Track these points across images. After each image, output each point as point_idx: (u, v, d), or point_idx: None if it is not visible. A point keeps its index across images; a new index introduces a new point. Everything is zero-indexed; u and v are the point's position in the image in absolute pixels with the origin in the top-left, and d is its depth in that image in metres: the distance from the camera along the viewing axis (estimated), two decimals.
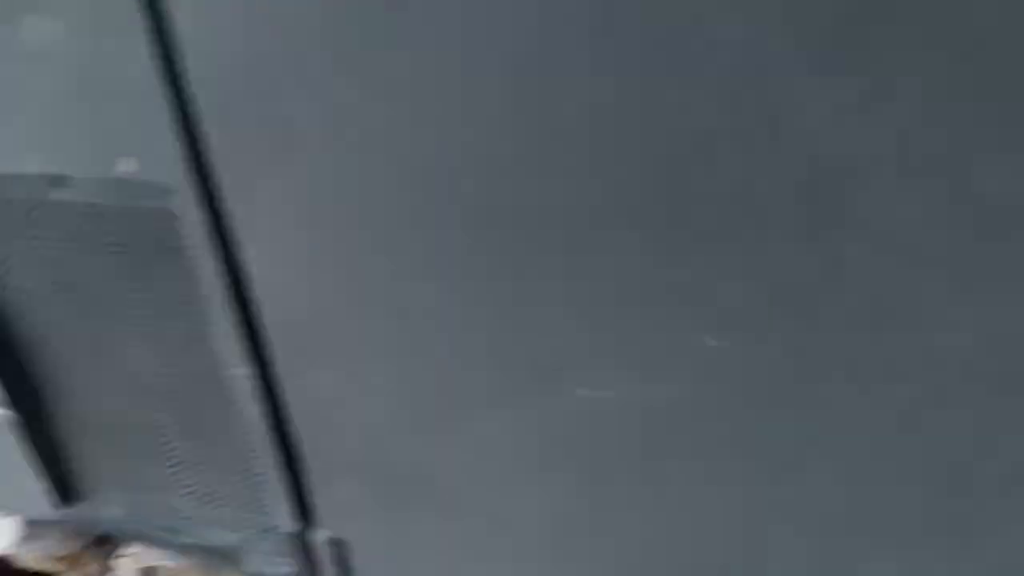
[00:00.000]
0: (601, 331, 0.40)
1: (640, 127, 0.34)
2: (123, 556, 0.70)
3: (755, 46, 0.31)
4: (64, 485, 0.67)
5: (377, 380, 0.49)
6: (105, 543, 0.72)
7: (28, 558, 0.72)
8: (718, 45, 0.31)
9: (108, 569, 0.71)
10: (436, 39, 0.36)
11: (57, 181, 0.50)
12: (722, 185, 0.34)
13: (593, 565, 0.50)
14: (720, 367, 0.38)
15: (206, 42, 0.40)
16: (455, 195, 0.40)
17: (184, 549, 0.68)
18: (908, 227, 0.32)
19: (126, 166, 0.46)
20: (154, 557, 0.69)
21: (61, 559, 0.72)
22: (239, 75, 0.40)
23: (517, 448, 0.47)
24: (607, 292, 0.39)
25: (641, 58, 0.33)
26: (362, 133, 0.40)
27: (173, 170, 0.44)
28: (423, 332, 0.45)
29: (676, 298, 0.37)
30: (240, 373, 0.52)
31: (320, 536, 0.58)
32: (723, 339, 0.37)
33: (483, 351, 0.44)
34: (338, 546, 0.59)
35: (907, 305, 0.34)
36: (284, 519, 0.59)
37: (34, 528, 0.71)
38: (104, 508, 0.67)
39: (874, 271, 0.33)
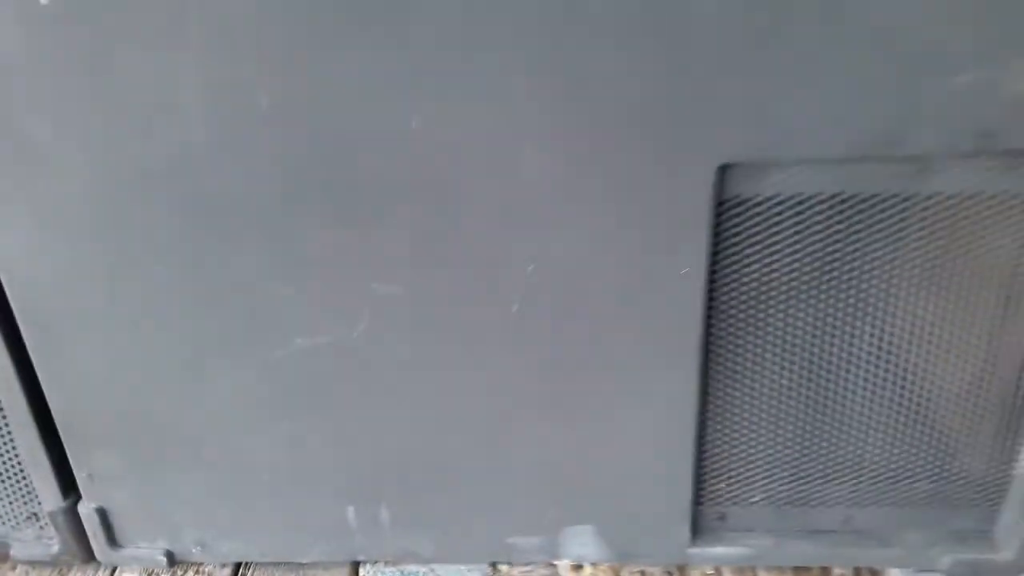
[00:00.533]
0: (304, 290, 0.52)
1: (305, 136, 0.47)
2: None
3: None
4: None
5: (122, 354, 0.57)
6: None
7: None
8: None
9: None
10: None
11: None
12: (368, 179, 0.48)
13: (323, 483, 0.61)
14: (388, 307, 0.52)
15: None
16: (172, 190, 0.50)
17: None
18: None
19: None
20: None
21: None
22: None
23: (249, 397, 0.58)
24: (303, 259, 0.51)
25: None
26: (85, 147, 0.49)
27: None
28: (160, 308, 0.54)
29: (352, 259, 0.50)
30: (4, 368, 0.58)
31: (85, 508, 0.65)
32: (388, 285, 0.50)
33: (213, 319, 0.55)
34: (102, 514, 0.65)
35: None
36: (51, 498, 0.65)
37: None
38: None
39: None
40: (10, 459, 0.65)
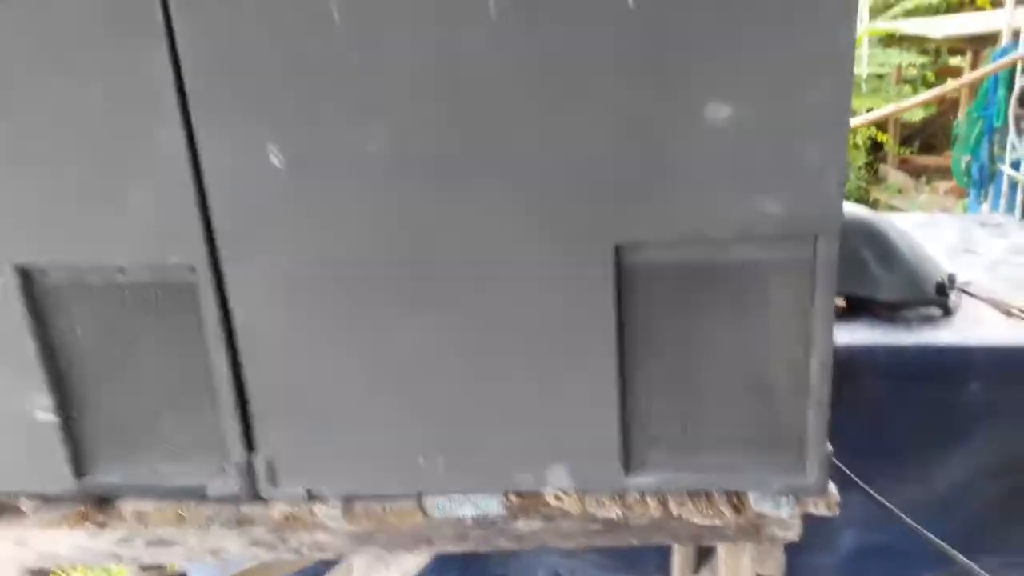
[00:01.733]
0: (418, 320, 0.96)
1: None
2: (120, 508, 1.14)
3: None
4: (78, 464, 1.10)
5: (301, 358, 1.00)
6: (104, 502, 1.14)
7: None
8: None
9: (107, 520, 1.14)
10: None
11: (121, 270, 1.00)
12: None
13: (406, 441, 1.03)
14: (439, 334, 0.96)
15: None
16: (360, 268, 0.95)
17: (162, 494, 1.12)
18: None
19: (172, 258, 0.97)
20: (143, 505, 1.13)
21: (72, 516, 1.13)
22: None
23: (367, 383, 1.01)
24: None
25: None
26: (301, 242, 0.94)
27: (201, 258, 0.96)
28: (338, 337, 0.98)
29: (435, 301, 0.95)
30: (222, 368, 1.01)
31: (258, 460, 1.07)
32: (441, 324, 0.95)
33: (358, 338, 0.98)
34: (269, 464, 1.07)
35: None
36: (237, 453, 1.07)
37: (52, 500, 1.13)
38: (104, 477, 1.11)
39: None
40: (214, 430, 1.08)
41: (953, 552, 1.26)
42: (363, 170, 0.89)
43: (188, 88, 0.87)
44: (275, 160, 0.89)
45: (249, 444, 1.07)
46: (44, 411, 1.06)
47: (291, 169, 0.90)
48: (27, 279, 0.99)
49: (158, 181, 0.91)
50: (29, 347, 1.02)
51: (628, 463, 1.02)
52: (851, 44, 0.78)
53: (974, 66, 5.13)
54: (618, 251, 0.90)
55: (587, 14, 0.81)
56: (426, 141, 0.88)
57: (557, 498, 1.06)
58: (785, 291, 0.92)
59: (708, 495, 1.04)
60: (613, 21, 0.81)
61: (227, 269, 0.96)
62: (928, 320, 1.75)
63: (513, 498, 1.07)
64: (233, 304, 0.98)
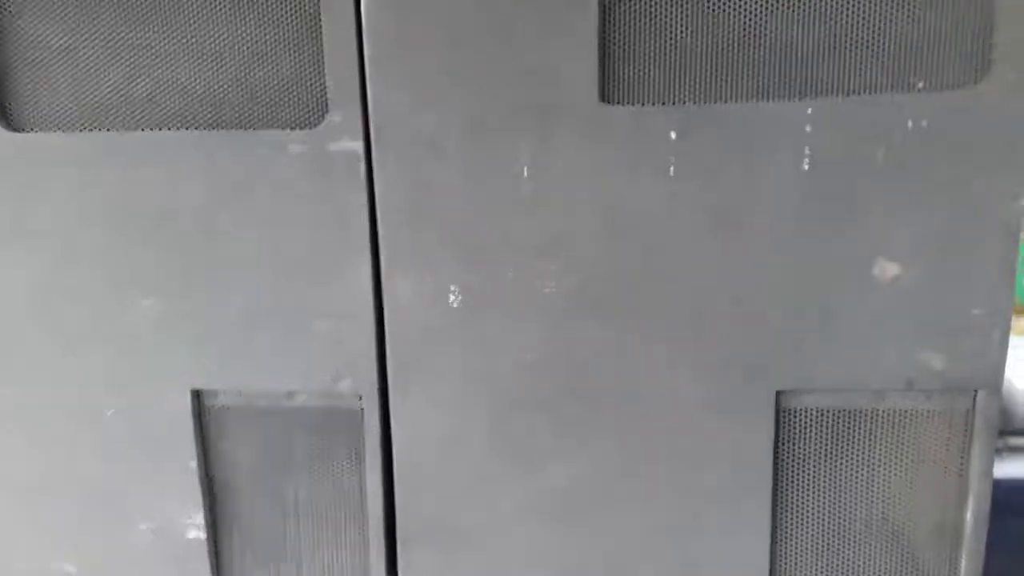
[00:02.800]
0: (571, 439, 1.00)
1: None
2: None
3: None
4: None
5: (458, 496, 1.03)
6: None
7: None
8: None
9: None
10: None
11: (290, 395, 1.05)
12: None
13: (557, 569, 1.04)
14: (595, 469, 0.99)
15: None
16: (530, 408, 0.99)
17: None
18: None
19: (343, 386, 1.02)
20: None
21: None
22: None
23: (527, 509, 1.03)
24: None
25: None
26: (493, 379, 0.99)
27: (371, 386, 1.01)
28: (493, 468, 1.02)
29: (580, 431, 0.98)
30: (376, 492, 1.05)
31: None
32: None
33: (517, 474, 1.01)
34: None
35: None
36: (380, 571, 1.09)
37: None
38: None
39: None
40: (358, 553, 1.10)
41: None
42: (535, 309, 0.95)
43: (381, 232, 0.94)
44: (453, 299, 0.95)
45: (392, 568, 1.08)
46: (197, 528, 1.09)
47: (466, 306, 0.96)
48: (198, 401, 1.05)
49: (340, 315, 0.98)
50: (192, 466, 1.06)
51: None
52: (1020, 214, 0.83)
53: None
54: (779, 396, 0.93)
55: (762, 174, 0.87)
56: (599, 283, 0.93)
57: None
58: (942, 442, 0.93)
59: None
60: (788, 181, 0.87)
61: (393, 398, 1.01)
62: (1020, 451, 1.72)
63: None
64: (394, 430, 1.02)
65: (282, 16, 0.93)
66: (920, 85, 0.84)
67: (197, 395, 1.04)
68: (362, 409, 1.02)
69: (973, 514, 0.95)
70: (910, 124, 0.84)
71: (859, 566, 1.00)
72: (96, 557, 1.11)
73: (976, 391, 0.91)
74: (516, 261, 0.94)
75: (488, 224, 0.93)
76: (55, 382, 1.05)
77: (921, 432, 0.95)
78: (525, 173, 0.91)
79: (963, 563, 0.97)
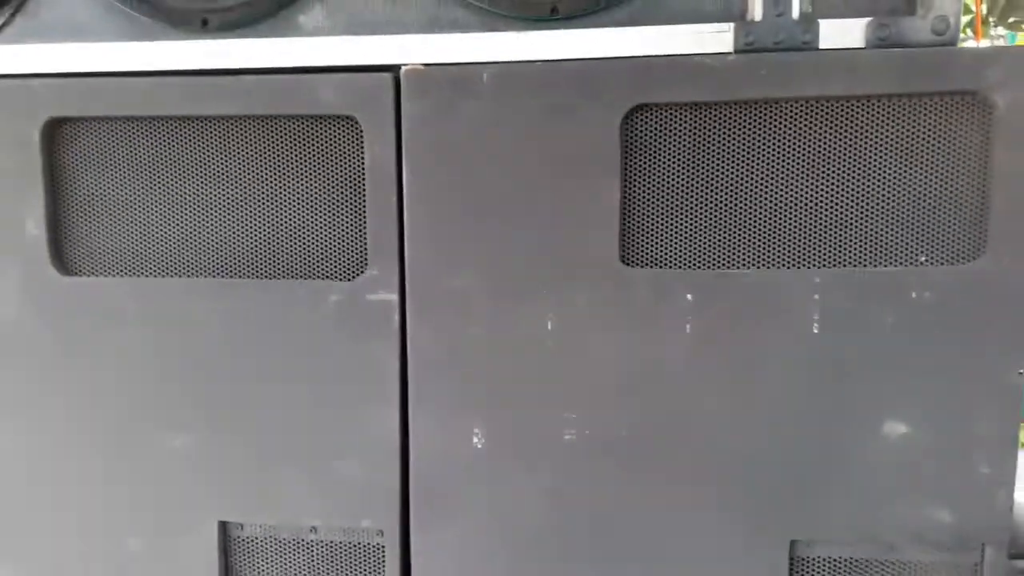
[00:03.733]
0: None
1: None
2: None
3: None
4: None
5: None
6: None
7: None
8: None
9: None
10: None
11: (313, 529, 1.08)
12: None
13: None
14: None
15: None
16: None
17: None
18: None
19: (366, 523, 1.05)
20: None
21: None
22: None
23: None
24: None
25: None
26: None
27: (392, 524, 1.03)
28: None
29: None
30: None
31: None
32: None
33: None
34: None
35: None
36: None
37: None
38: None
39: None
40: None
41: None
42: (555, 454, 0.98)
43: (411, 380, 0.99)
44: (477, 442, 0.99)
45: None
46: None
47: (489, 450, 1.00)
48: (225, 532, 1.07)
49: (366, 455, 1.01)
50: None
51: None
52: (1020, 381, 0.88)
53: None
54: (792, 546, 0.96)
55: (775, 335, 0.93)
56: (617, 433, 0.97)
57: None
58: None
59: None
60: (799, 343, 0.92)
61: (414, 535, 1.03)
62: None
63: None
64: (414, 568, 1.04)
65: (329, 177, 1.00)
66: (922, 259, 0.90)
67: (223, 527, 1.07)
68: (383, 546, 1.05)
69: None
70: (914, 295, 0.89)
71: None
72: None
73: (984, 545, 0.94)
74: (538, 408, 0.98)
75: (512, 373, 0.97)
76: (86, 512, 1.08)
77: None
78: (549, 327, 0.96)
79: None
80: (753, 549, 0.97)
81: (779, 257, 0.94)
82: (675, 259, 0.95)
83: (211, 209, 1.03)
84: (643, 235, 0.95)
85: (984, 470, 0.91)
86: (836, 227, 0.93)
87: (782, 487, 0.95)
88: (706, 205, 0.95)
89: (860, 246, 0.92)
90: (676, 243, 0.95)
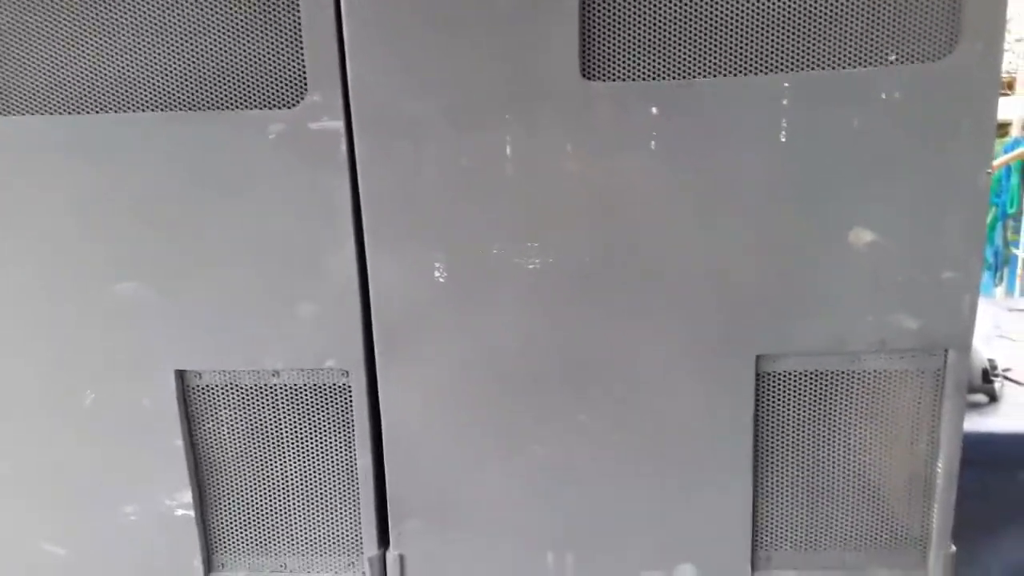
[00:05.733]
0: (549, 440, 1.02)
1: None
2: None
3: None
4: (209, 560, 1.14)
5: (446, 467, 1.05)
6: None
7: None
8: None
9: None
10: None
11: (275, 373, 1.05)
12: None
13: (541, 543, 1.07)
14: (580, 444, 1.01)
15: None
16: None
17: None
18: None
19: (330, 364, 1.03)
20: None
21: None
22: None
23: (505, 490, 1.05)
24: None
25: None
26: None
27: (357, 364, 1.01)
28: (479, 439, 1.03)
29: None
30: (367, 467, 1.06)
31: (391, 556, 1.11)
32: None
33: (504, 447, 1.03)
34: (401, 559, 1.11)
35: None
36: (371, 549, 1.11)
37: None
38: (232, 573, 1.14)
39: None
40: (349, 527, 1.12)
41: None
42: (520, 284, 0.96)
43: (365, 211, 0.94)
44: (439, 276, 0.96)
45: (384, 540, 1.11)
46: (184, 508, 1.10)
47: (451, 283, 0.97)
48: (182, 381, 1.05)
49: (326, 296, 0.98)
50: (178, 445, 1.06)
51: (755, 562, 1.06)
52: (987, 184, 0.86)
53: None
54: (758, 360, 0.96)
55: (742, 146, 0.89)
56: (582, 258, 0.95)
57: None
58: (914, 399, 0.97)
59: None
60: (767, 153, 0.89)
61: (380, 373, 1.02)
62: (975, 407, 1.79)
63: None
64: (383, 406, 1.03)
65: None
66: (892, 58, 0.86)
67: (180, 376, 1.04)
68: (349, 386, 1.03)
69: (944, 468, 1.00)
70: (883, 96, 0.86)
71: (838, 520, 1.04)
72: (86, 539, 1.11)
73: (947, 351, 0.95)
74: (500, 238, 0.95)
75: (471, 202, 0.93)
76: (38, 368, 1.04)
77: (895, 391, 0.98)
78: (508, 151, 0.91)
79: (935, 515, 1.02)
80: (720, 367, 0.97)
81: (746, 63, 0.89)
82: (638, 70, 0.90)
83: (133, 37, 0.94)
84: (604, 46, 0.90)
85: (949, 275, 0.90)
86: (803, 28, 0.88)
87: (748, 303, 0.94)
88: (667, 9, 0.89)
89: (828, 47, 0.88)
90: (638, 53, 0.90)
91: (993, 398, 1.82)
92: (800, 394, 0.99)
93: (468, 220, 0.94)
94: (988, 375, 1.82)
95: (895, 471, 1.02)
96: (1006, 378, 1.93)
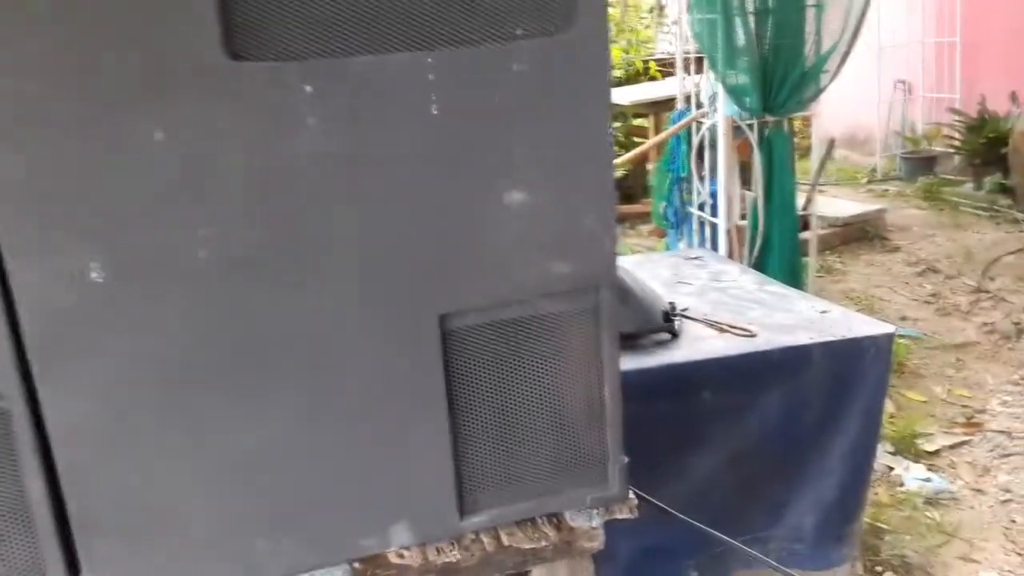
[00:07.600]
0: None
1: None
2: None
3: None
4: None
5: (130, 476, 0.98)
6: None
7: None
8: None
9: None
10: None
11: None
12: None
13: (248, 549, 1.05)
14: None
15: None
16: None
17: None
18: None
19: None
20: None
21: None
22: None
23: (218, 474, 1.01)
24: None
25: None
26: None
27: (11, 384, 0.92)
28: (161, 439, 0.98)
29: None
30: (39, 493, 0.96)
31: None
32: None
33: (194, 445, 0.99)
34: None
35: None
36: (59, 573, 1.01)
37: None
38: None
39: None
40: (32, 559, 1.01)
41: (719, 535, 1.52)
42: (192, 275, 0.93)
43: None
44: (96, 277, 0.90)
45: (73, 567, 1.02)
46: None
47: (112, 282, 0.91)
48: None
49: None
50: None
51: (463, 508, 1.13)
52: (609, 134, 0.99)
53: (657, 126, 6.04)
54: (442, 319, 1.02)
55: (396, 120, 0.94)
56: (253, 241, 0.94)
57: (400, 555, 1.14)
58: (579, 336, 1.10)
59: (532, 521, 1.18)
60: (420, 125, 0.94)
61: (42, 389, 0.93)
62: (660, 344, 2.07)
63: (358, 565, 1.13)
64: (49, 424, 0.95)
65: None
66: (519, 32, 0.96)
67: None
68: (9, 410, 0.93)
69: (609, 392, 1.14)
70: (515, 68, 0.95)
71: (534, 453, 1.14)
72: None
73: (597, 288, 1.08)
74: (164, 229, 0.91)
75: (126, 194, 0.88)
76: None
77: (564, 330, 1.10)
78: (158, 138, 0.87)
79: (608, 434, 1.16)
80: (405, 331, 1.01)
81: (392, 40, 0.93)
82: (288, 48, 0.91)
83: None
84: (250, 23, 0.89)
85: (590, 222, 1.03)
86: (442, 7, 0.94)
87: (423, 268, 1.00)
88: None
89: (464, 24, 0.95)
90: (287, 30, 0.90)
91: (675, 335, 2.10)
92: (484, 345, 1.07)
93: (124, 215, 0.89)
94: (668, 316, 2.09)
95: (574, 401, 1.14)
96: (684, 316, 2.24)
